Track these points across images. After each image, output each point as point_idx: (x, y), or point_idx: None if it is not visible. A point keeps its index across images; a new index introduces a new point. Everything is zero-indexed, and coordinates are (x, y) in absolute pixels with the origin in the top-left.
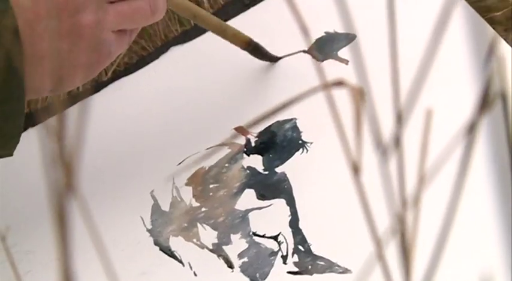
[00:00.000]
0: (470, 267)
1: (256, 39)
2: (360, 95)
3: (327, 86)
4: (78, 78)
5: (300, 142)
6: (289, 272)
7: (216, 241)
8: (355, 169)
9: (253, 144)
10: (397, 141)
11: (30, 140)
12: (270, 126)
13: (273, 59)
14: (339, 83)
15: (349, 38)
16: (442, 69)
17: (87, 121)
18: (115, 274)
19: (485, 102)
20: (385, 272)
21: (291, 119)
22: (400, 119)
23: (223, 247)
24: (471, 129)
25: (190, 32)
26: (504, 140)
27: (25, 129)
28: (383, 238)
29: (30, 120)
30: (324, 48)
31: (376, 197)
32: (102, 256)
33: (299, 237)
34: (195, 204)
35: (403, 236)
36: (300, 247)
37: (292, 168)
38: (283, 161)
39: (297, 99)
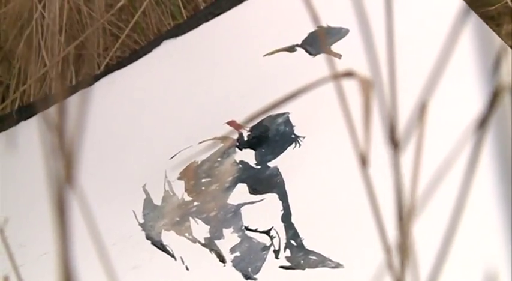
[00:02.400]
0: (475, 266)
1: (249, 33)
2: (369, 86)
3: (337, 76)
4: None
5: (293, 136)
6: (281, 267)
7: (208, 235)
8: (363, 161)
9: (245, 138)
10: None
11: (30, 132)
12: (262, 120)
13: None
14: (348, 74)
15: (342, 32)
16: (449, 71)
17: (87, 112)
18: (107, 267)
19: (495, 98)
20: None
21: (284, 114)
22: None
23: (216, 241)
24: (482, 124)
25: (183, 26)
26: (510, 137)
27: (21, 120)
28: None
29: (27, 112)
30: (316, 42)
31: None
32: (94, 250)
33: (291, 232)
34: (187, 198)
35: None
36: (292, 242)
37: (284, 162)
38: (275, 155)
39: (305, 90)
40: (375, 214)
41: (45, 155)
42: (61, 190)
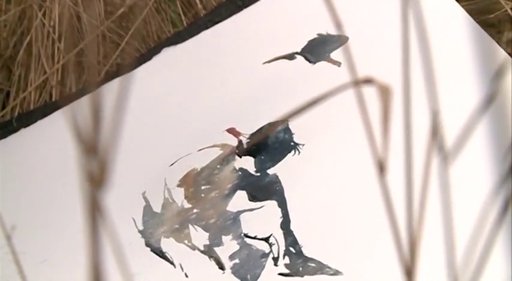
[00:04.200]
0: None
1: (249, 40)
2: (389, 93)
3: (356, 83)
4: None
5: (292, 143)
6: (280, 274)
7: (207, 242)
8: (381, 168)
9: (245, 145)
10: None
11: (29, 139)
12: (261, 128)
13: None
14: (368, 81)
15: (341, 40)
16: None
17: (124, 106)
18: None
19: None
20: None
21: (283, 121)
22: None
23: (215, 249)
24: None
25: (183, 33)
26: None
27: (21, 127)
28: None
29: (28, 119)
30: (316, 50)
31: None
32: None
33: (290, 239)
34: (187, 205)
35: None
36: (291, 249)
37: (284, 170)
38: (275, 162)
39: (325, 97)
40: (390, 221)
41: (78, 157)
42: (94, 194)
